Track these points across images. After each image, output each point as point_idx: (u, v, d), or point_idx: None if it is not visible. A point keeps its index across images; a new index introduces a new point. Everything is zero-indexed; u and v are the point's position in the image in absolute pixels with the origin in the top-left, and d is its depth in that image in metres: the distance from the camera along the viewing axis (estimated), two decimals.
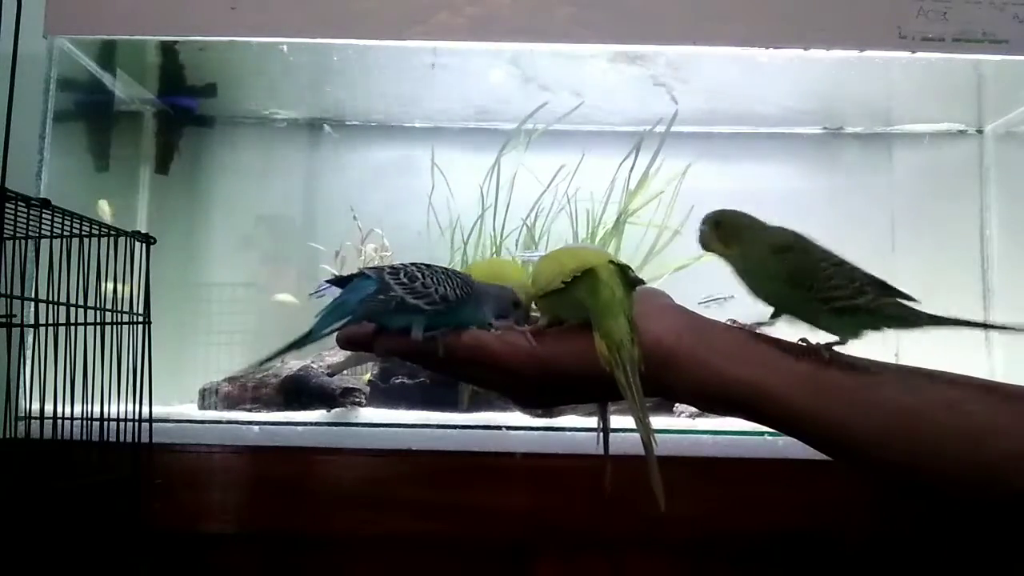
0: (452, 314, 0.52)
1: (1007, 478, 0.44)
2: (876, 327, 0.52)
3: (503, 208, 1.21)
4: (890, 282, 0.53)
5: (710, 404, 0.52)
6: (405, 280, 0.52)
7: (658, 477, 0.46)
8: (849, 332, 0.52)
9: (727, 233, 0.54)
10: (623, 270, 0.52)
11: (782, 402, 0.48)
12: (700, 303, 1.16)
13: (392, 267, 0.53)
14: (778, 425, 0.49)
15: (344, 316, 0.52)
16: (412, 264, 0.54)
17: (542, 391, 0.53)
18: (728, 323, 0.53)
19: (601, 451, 0.59)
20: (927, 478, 0.47)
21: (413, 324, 0.51)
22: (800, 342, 0.52)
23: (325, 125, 1.32)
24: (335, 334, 0.53)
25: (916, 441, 0.46)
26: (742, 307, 0.55)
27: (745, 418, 0.51)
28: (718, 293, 1.06)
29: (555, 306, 0.53)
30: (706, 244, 0.55)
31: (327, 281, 0.55)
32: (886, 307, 0.52)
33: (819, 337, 0.52)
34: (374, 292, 0.51)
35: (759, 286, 0.54)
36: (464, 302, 0.53)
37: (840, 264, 0.52)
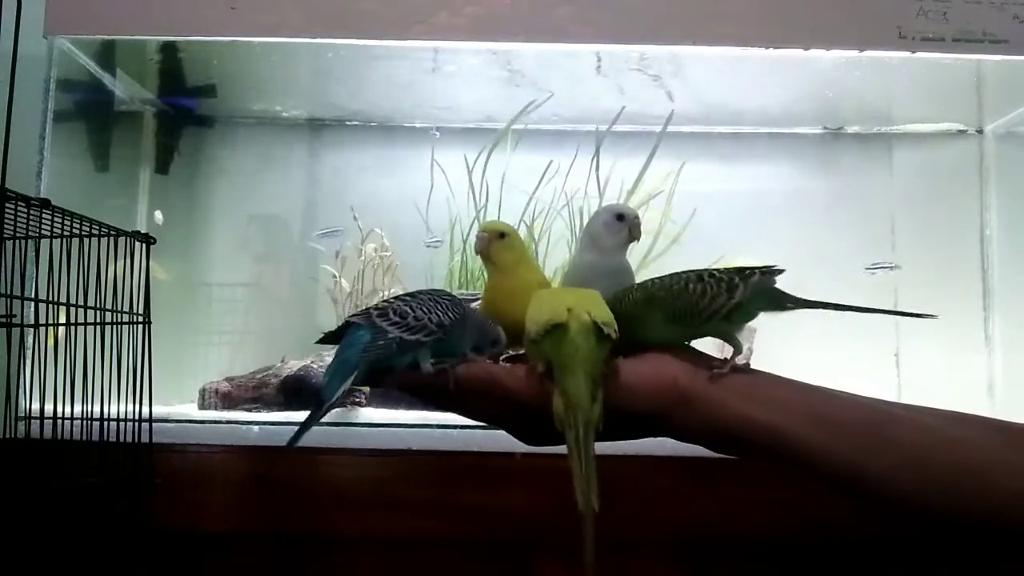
0: (451, 337, 0.51)
1: (1015, 515, 0.45)
2: (753, 315, 0.53)
3: (502, 208, 1.21)
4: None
5: (725, 446, 0.52)
6: (396, 319, 0.51)
7: (592, 552, 0.45)
8: (737, 330, 0.52)
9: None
10: (597, 326, 0.50)
11: (799, 445, 0.48)
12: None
13: (378, 308, 0.53)
14: (792, 465, 0.49)
15: (349, 373, 0.51)
16: (396, 299, 0.53)
17: (548, 428, 0.51)
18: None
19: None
20: (937, 513, 0.47)
21: (420, 358, 0.50)
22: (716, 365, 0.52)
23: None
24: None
25: (926, 479, 0.47)
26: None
27: (759, 459, 0.50)
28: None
29: (534, 353, 0.51)
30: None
31: (325, 333, 0.54)
32: (758, 286, 0.52)
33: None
34: (371, 340, 0.50)
35: (650, 337, 0.53)
36: (458, 323, 0.52)
37: (700, 277, 0.52)
